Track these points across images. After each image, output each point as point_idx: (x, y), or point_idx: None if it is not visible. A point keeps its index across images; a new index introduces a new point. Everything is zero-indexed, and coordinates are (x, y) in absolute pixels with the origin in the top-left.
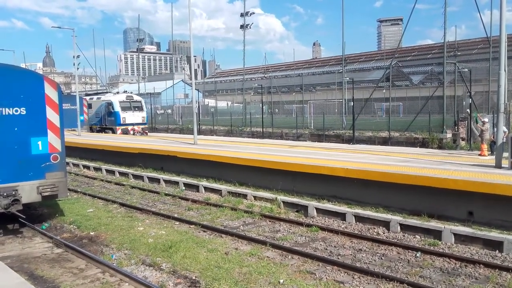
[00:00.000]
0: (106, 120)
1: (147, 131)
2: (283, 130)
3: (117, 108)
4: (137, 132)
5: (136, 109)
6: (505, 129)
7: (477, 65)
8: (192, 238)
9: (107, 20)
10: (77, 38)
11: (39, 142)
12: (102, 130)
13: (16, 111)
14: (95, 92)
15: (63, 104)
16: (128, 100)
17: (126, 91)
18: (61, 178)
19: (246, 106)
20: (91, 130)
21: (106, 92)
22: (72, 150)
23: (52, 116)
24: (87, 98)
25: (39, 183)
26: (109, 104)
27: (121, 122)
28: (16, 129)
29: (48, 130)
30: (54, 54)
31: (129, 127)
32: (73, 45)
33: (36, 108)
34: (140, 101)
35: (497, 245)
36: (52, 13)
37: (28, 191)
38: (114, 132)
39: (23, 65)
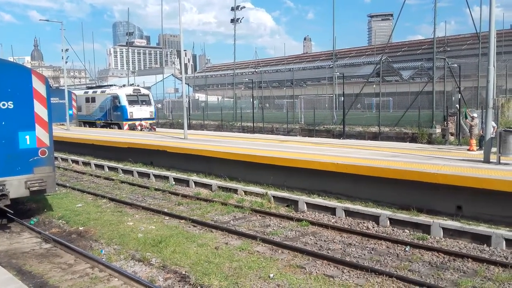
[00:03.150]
0: (111, 115)
1: (155, 127)
2: (274, 125)
3: (124, 102)
4: (145, 128)
5: (144, 103)
6: (494, 124)
7: (466, 61)
8: (182, 233)
9: (96, 13)
10: (65, 31)
11: (27, 137)
12: (108, 125)
13: (4, 105)
14: (98, 85)
15: (52, 98)
16: (135, 94)
17: (132, 84)
18: (50, 172)
19: (237, 101)
20: (94, 125)
21: (111, 85)
22: (61, 145)
23: (40, 110)
24: (90, 91)
25: (27, 178)
26: (115, 97)
27: (128, 117)
28: (3, 123)
29: (36, 124)
30: (42, 48)
31: (137, 122)
32: (61, 38)
33: (24, 102)
34: (148, 95)
35: (485, 239)
36: (41, 6)
37: (16, 186)
38: (120, 127)
39: (11, 59)
